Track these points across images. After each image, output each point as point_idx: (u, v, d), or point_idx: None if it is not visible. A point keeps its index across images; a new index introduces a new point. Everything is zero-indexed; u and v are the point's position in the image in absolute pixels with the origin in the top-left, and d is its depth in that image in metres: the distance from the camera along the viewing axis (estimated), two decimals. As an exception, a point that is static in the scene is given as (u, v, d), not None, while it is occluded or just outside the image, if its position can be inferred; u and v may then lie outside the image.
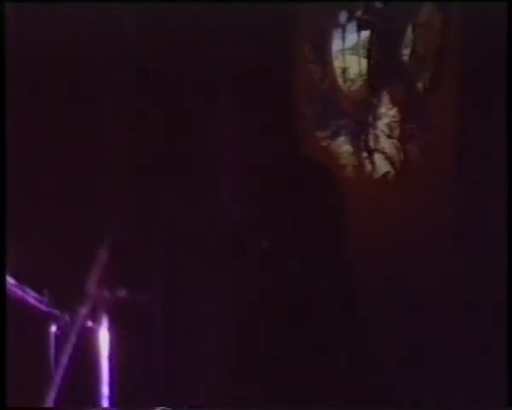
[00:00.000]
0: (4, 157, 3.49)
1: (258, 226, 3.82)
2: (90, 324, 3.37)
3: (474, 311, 3.63)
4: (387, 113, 4.15)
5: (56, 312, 3.43)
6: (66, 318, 3.40)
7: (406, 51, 4.09)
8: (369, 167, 4.18)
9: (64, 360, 3.29)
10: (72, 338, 3.30)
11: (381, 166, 4.16)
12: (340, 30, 4.27)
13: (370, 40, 4.18)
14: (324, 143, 4.31)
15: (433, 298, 3.80)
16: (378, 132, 4.17)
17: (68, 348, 3.29)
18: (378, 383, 3.70)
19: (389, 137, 4.14)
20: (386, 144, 4.15)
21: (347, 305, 3.38)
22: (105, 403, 3.36)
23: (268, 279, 3.45)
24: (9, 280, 3.38)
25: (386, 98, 4.15)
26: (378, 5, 4.15)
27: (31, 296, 3.46)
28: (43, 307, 3.47)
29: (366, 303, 3.74)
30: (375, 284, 3.89)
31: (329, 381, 3.33)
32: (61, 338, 3.38)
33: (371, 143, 4.19)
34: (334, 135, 4.29)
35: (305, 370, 3.27)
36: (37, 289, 3.47)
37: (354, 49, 4.22)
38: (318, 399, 3.28)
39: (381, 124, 4.16)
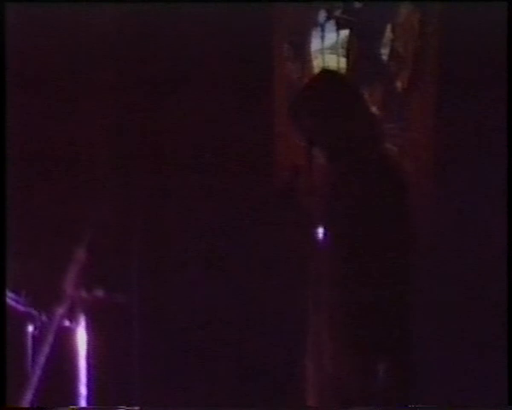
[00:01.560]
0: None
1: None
2: (67, 323, 3.35)
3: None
4: (366, 112, 4.15)
5: (33, 312, 3.42)
6: (44, 318, 3.39)
7: (385, 51, 4.10)
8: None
9: (41, 359, 3.28)
10: (50, 338, 3.29)
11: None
12: (319, 29, 4.27)
13: (349, 39, 4.18)
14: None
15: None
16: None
17: (45, 348, 3.28)
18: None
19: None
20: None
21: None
22: (82, 403, 3.35)
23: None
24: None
25: (364, 97, 4.15)
26: (357, 5, 4.16)
27: (8, 297, 3.44)
28: (20, 307, 3.45)
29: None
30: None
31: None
32: (38, 338, 3.37)
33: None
34: (313, 134, 4.28)
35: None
36: (15, 289, 3.46)
37: (333, 49, 4.23)
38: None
39: (360, 123, 4.16)
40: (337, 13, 4.22)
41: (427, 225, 3.90)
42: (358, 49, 4.18)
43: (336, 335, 3.00)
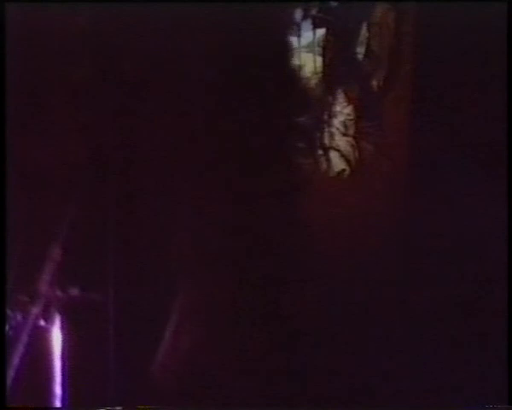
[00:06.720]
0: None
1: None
2: (42, 323, 3.35)
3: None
4: (342, 111, 4.17)
5: (8, 311, 3.40)
6: (18, 317, 3.38)
7: (361, 50, 4.12)
8: (324, 165, 4.20)
9: (16, 360, 3.26)
10: (24, 338, 3.27)
11: (337, 163, 4.18)
12: (295, 28, 4.28)
13: (325, 38, 4.20)
14: (279, 141, 4.33)
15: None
16: (333, 130, 4.20)
17: (20, 348, 3.27)
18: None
19: (344, 135, 4.17)
20: (342, 142, 4.18)
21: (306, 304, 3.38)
22: (57, 403, 3.34)
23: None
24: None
25: (341, 96, 4.18)
26: (333, 3, 4.18)
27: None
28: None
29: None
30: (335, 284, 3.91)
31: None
32: (12, 338, 3.35)
33: (326, 141, 4.22)
34: (290, 133, 4.31)
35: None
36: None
37: (309, 48, 4.24)
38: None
39: (336, 122, 4.18)
40: (313, 12, 4.23)
41: (403, 224, 3.93)
42: (334, 48, 4.20)
43: None
